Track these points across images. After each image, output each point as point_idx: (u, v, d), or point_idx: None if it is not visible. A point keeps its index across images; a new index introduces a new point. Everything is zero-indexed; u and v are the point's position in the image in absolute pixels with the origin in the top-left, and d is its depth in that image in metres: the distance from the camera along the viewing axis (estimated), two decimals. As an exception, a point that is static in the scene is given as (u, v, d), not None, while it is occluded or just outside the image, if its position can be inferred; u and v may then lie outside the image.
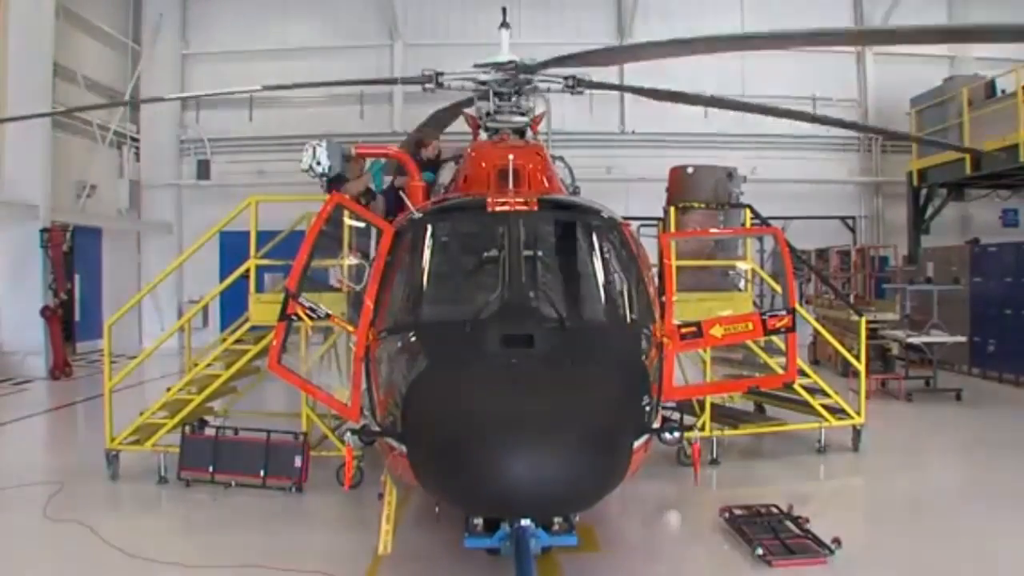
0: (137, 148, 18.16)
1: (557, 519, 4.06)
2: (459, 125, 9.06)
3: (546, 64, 7.30)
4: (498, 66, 7.79)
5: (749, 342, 7.19)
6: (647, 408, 4.59)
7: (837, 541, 5.25)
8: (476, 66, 7.92)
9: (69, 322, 15.08)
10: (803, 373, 7.59)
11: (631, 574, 5.18)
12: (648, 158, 16.94)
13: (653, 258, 6.16)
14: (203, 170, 18.39)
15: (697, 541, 5.81)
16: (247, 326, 7.59)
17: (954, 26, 14.52)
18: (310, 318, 5.07)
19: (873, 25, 18.15)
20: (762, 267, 11.84)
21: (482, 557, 4.47)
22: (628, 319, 5.29)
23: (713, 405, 7.80)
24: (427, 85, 7.80)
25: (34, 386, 12.86)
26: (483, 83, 7.91)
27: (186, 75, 18.66)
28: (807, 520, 5.70)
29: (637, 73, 17.38)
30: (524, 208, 5.31)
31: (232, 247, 10.28)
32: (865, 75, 18.80)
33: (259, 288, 7.54)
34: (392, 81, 8.62)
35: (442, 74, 7.62)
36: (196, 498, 6.80)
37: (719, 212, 8.70)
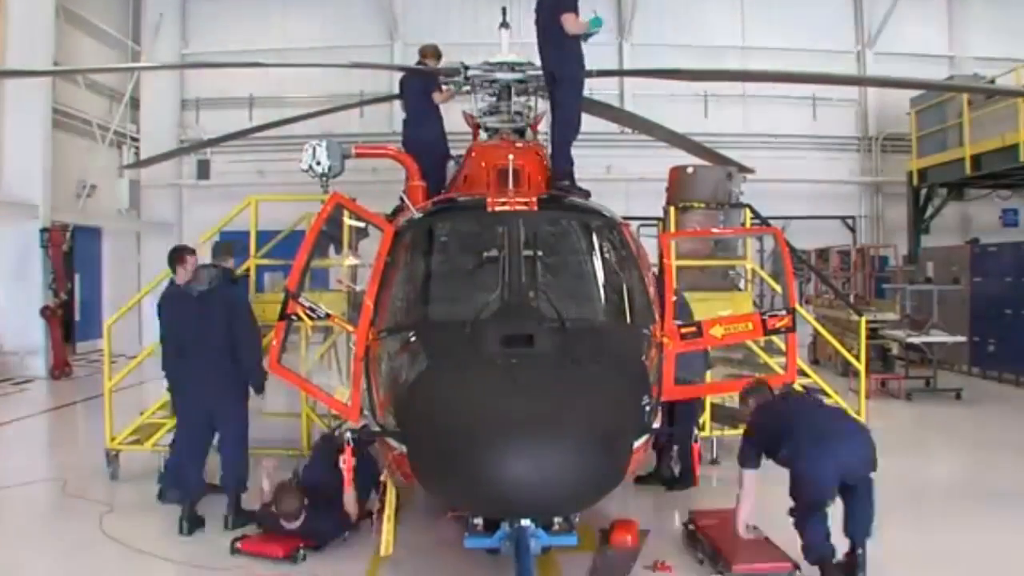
0: (137, 148, 18.15)
1: (557, 519, 4.06)
2: (459, 125, 9.06)
3: None
4: (498, 66, 7.80)
5: (749, 342, 7.19)
6: (647, 408, 4.59)
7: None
8: (475, 66, 7.93)
9: (69, 322, 15.07)
10: (803, 373, 7.58)
11: (631, 574, 5.17)
12: (648, 158, 16.94)
13: (653, 258, 6.16)
14: (203, 170, 18.39)
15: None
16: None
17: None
18: (310, 318, 5.07)
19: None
20: (762, 267, 11.84)
21: (482, 557, 4.47)
22: (628, 319, 5.29)
23: (713, 405, 7.78)
24: (454, 78, 7.84)
25: (34, 386, 12.86)
26: (486, 82, 7.92)
27: (186, 75, 18.66)
28: None
29: (635, 64, 17.56)
30: (524, 208, 5.32)
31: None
32: (865, 75, 18.79)
33: (259, 288, 7.53)
34: (412, 69, 8.64)
35: (468, 67, 7.64)
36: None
37: (719, 212, 8.70)
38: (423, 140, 7.97)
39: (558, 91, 6.92)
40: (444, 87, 8.29)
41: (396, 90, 9.09)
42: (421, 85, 8.29)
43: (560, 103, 6.93)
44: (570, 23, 6.73)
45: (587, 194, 6.62)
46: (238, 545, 5.41)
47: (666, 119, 11.11)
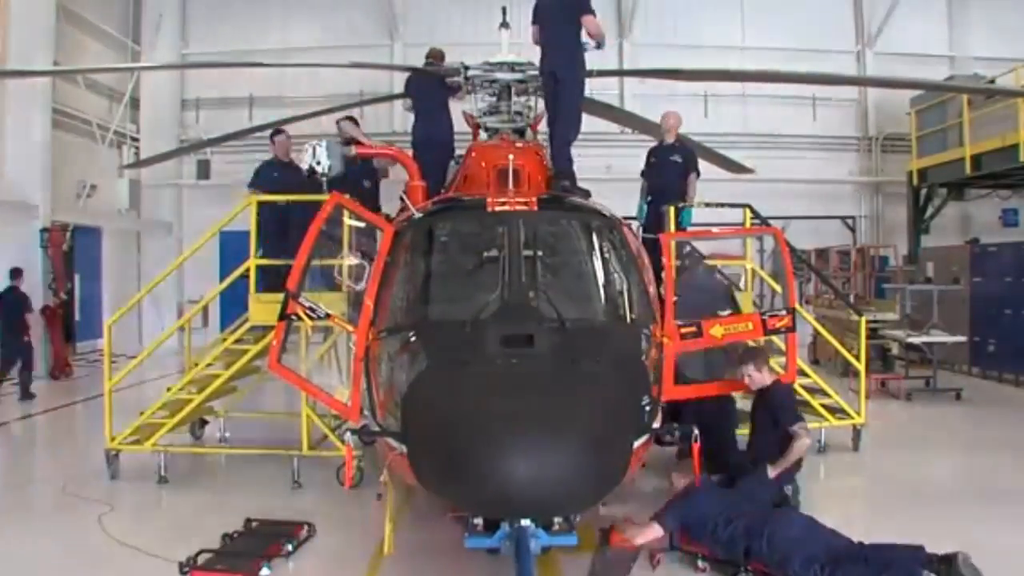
0: (137, 148, 18.15)
1: (557, 519, 4.07)
2: (459, 125, 9.06)
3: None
4: (498, 66, 7.81)
5: (749, 342, 7.18)
6: (647, 408, 4.60)
7: None
8: (475, 66, 7.94)
9: (69, 322, 15.07)
10: (803, 373, 7.58)
11: (631, 573, 5.18)
12: (648, 158, 16.94)
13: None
14: (203, 170, 18.37)
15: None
16: (247, 326, 7.59)
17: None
18: (310, 318, 5.08)
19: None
20: (762, 267, 11.83)
21: (482, 557, 4.47)
22: (628, 319, 5.30)
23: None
24: (455, 78, 7.85)
25: (34, 386, 12.84)
26: (486, 82, 7.93)
27: (186, 75, 18.66)
28: None
29: (635, 64, 17.54)
30: (524, 208, 5.32)
31: (232, 247, 10.28)
32: (865, 75, 18.77)
33: (259, 288, 7.53)
34: (412, 69, 8.72)
35: (468, 67, 7.68)
36: (197, 497, 6.80)
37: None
38: (435, 139, 8.02)
39: (561, 92, 6.92)
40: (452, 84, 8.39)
41: (396, 90, 9.14)
42: (429, 84, 8.35)
43: (563, 104, 6.93)
44: (592, 25, 6.79)
45: (587, 194, 6.62)
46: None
47: (666, 118, 11.08)
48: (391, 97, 15.20)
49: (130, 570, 5.25)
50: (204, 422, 8.81)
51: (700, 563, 5.02)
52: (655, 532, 4.99)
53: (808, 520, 4.91)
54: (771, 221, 10.41)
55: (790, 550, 4.63)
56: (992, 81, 13.92)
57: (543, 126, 8.55)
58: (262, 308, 7.18)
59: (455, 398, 4.00)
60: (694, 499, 5.14)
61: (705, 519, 4.95)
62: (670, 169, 8.58)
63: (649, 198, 8.67)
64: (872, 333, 11.68)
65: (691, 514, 4.98)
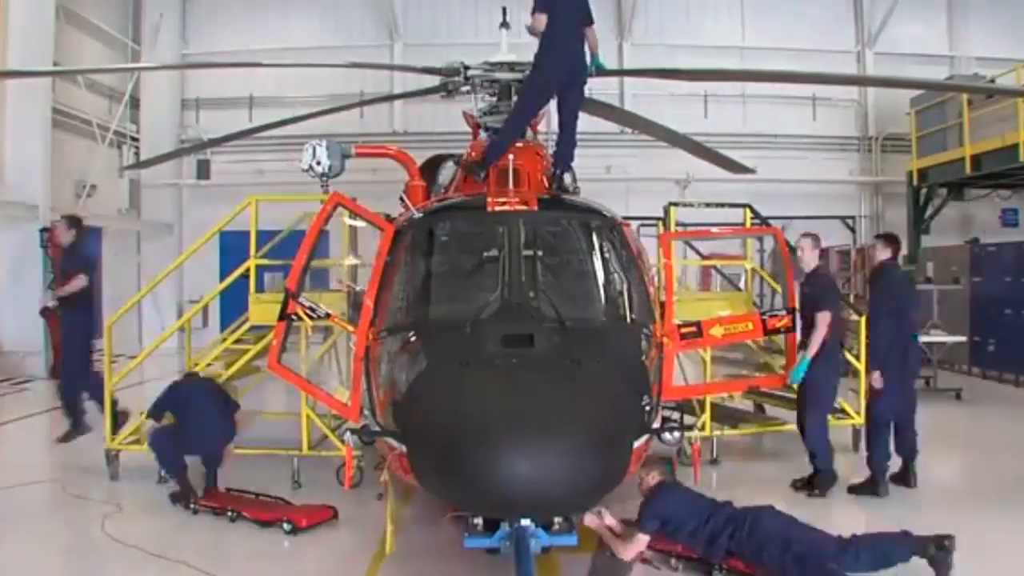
0: (137, 148, 18.15)
1: (557, 519, 4.07)
2: (459, 125, 9.06)
3: None
4: (498, 66, 7.80)
5: (749, 342, 7.19)
6: (647, 408, 4.60)
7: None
8: (475, 66, 7.94)
9: (69, 322, 15.05)
10: (803, 373, 7.57)
11: (632, 573, 5.18)
12: (648, 158, 16.96)
13: (653, 258, 6.16)
14: (203, 170, 18.36)
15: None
16: (247, 326, 7.59)
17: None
18: (310, 318, 5.08)
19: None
20: (762, 267, 11.84)
21: (482, 557, 4.47)
22: (628, 319, 5.30)
23: (713, 405, 7.79)
24: (454, 78, 7.84)
25: (34, 386, 12.85)
26: (486, 82, 7.92)
27: (186, 75, 18.67)
28: None
29: (635, 64, 17.53)
30: (524, 208, 5.33)
31: (232, 247, 10.28)
32: (865, 75, 18.77)
33: (259, 288, 7.53)
34: (412, 69, 8.67)
35: (468, 67, 7.67)
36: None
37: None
38: None
39: (570, 99, 6.85)
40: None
41: (396, 90, 9.11)
42: None
43: (568, 112, 6.89)
44: (593, 37, 6.77)
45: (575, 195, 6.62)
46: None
47: (666, 119, 11.10)
48: (391, 97, 15.20)
49: (130, 571, 5.25)
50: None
51: (673, 562, 5.01)
52: (642, 543, 4.83)
53: (788, 518, 4.91)
54: (771, 221, 10.43)
55: (767, 542, 4.66)
56: (992, 81, 13.90)
57: (543, 126, 8.55)
58: (262, 308, 7.17)
59: (455, 398, 4.00)
60: (665, 495, 5.07)
61: (682, 516, 4.89)
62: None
63: None
64: (872, 333, 11.65)
65: (667, 511, 4.91)
